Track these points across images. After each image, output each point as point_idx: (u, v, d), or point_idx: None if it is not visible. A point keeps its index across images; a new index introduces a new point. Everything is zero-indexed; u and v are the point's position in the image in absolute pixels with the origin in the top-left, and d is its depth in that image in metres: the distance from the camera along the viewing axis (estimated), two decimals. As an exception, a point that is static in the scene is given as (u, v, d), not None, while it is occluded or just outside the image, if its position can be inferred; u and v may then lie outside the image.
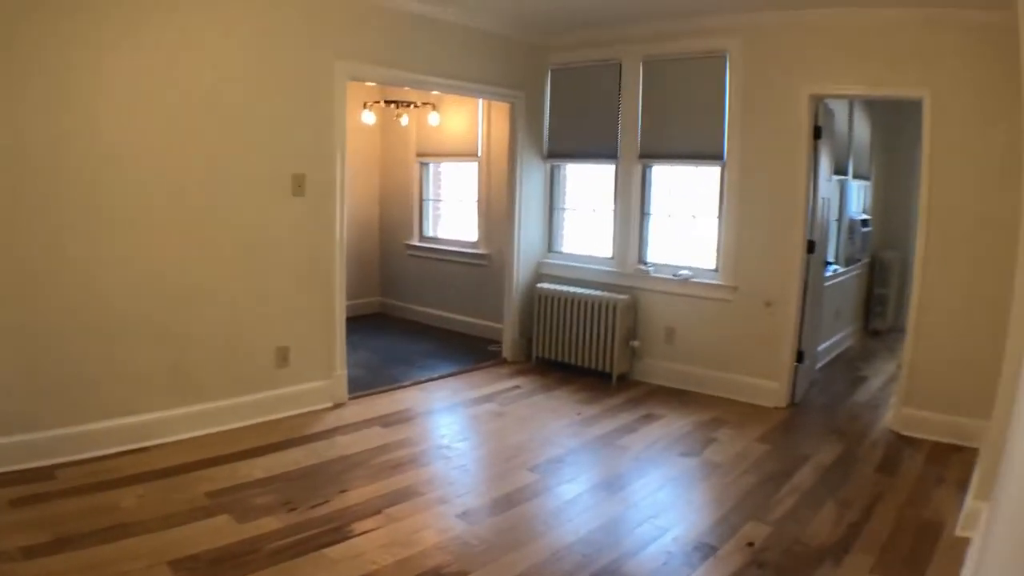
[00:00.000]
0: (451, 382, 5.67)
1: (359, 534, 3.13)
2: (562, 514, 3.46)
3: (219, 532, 3.07)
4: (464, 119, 7.42)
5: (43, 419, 3.63)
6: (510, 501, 3.58)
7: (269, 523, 3.18)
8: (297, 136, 4.58)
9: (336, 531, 3.15)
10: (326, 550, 2.97)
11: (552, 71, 6.29)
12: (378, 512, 3.35)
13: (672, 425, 4.82)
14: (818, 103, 5.04)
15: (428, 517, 3.36)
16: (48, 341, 3.64)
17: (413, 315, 8.05)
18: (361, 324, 7.33)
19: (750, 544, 3.17)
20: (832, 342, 6.96)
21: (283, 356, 4.64)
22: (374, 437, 4.37)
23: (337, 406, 4.89)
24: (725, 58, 5.27)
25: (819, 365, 6.30)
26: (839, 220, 7.08)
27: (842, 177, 6.83)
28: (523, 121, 6.21)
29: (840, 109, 6.39)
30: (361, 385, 5.31)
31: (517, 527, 3.30)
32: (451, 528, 3.25)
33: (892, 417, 4.90)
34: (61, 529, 2.98)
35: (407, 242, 8.10)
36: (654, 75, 5.68)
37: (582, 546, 3.12)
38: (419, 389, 5.45)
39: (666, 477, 3.98)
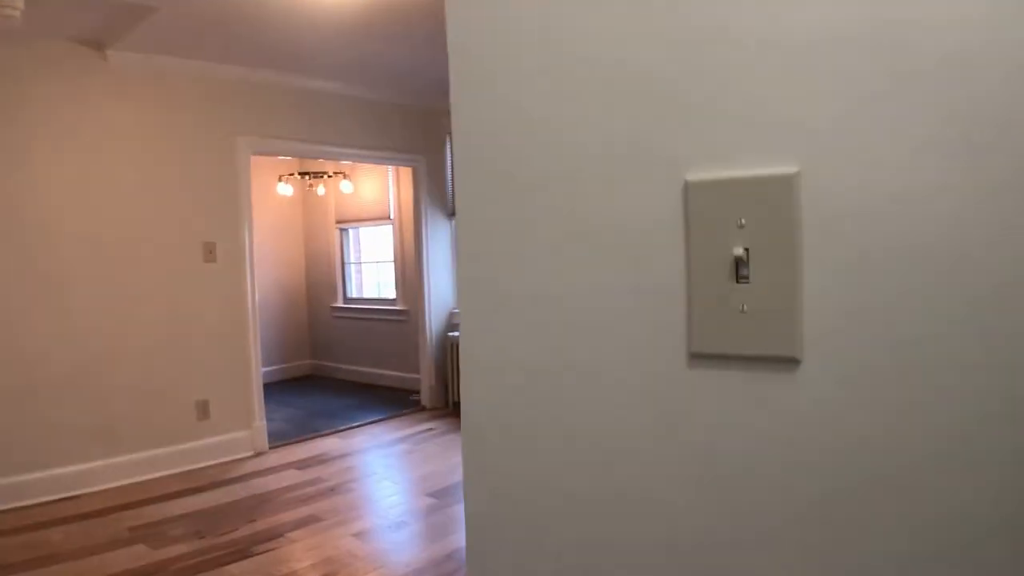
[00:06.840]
0: (370, 429, 6.09)
1: (259, 554, 3.54)
2: (452, 526, 3.90)
3: (135, 557, 3.47)
4: (376, 185, 7.99)
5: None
6: (404, 521, 4.01)
7: (180, 549, 3.58)
8: (205, 208, 5.06)
9: (239, 552, 3.55)
10: (228, 567, 3.38)
11: (450, 134, 6.86)
12: (280, 536, 3.76)
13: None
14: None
15: (326, 538, 3.76)
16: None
17: (342, 374, 8.45)
18: (292, 385, 7.75)
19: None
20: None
21: (203, 409, 5.03)
22: (288, 478, 4.77)
23: (258, 454, 5.27)
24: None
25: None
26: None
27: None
28: (426, 183, 6.77)
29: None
30: (283, 436, 5.71)
31: (406, 542, 3.74)
32: (344, 545, 3.67)
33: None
34: (-8, 563, 3.36)
35: (332, 304, 8.56)
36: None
37: (462, 554, 3.56)
38: (338, 437, 5.85)
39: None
